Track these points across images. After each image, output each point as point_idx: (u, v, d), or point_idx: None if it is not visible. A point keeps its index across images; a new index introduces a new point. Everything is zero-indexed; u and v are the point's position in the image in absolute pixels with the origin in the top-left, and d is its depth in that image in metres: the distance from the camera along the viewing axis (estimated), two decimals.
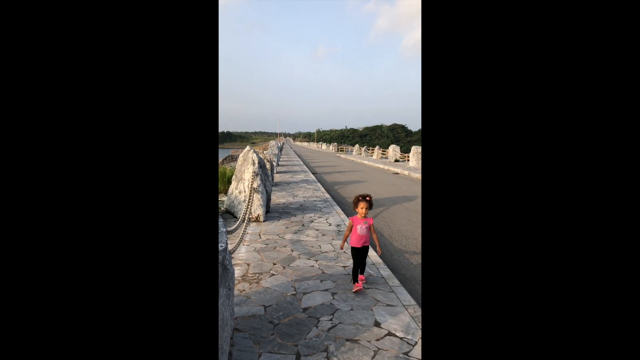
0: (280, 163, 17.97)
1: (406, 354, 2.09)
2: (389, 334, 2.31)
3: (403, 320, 2.49)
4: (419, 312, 2.60)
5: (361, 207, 3.02)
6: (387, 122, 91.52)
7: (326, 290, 2.96)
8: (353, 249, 3.05)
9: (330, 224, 5.34)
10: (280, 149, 23.71)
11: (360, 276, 3.06)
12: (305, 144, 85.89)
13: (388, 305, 2.72)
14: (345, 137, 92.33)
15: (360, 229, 3.02)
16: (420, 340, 2.23)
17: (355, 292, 2.92)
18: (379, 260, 3.80)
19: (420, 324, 2.43)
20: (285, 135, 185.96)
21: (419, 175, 13.21)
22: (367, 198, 3.04)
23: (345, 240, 3.15)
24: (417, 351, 2.12)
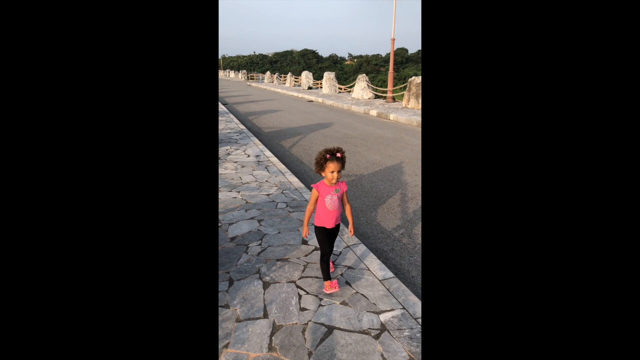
0: None
1: (332, 262, 2.31)
2: (316, 249, 2.49)
3: None
4: (340, 227, 2.84)
5: (330, 170, 1.88)
6: (297, 48, 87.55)
7: (252, 218, 2.99)
8: (320, 231, 2.01)
9: (249, 155, 5.21)
10: None
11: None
12: None
13: (312, 224, 2.88)
14: (254, 64, 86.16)
15: (330, 201, 1.95)
16: (343, 251, 2.47)
17: (329, 292, 2.01)
18: (301, 185, 3.91)
19: (343, 238, 2.66)
20: None
21: (332, 102, 13.41)
22: (338, 154, 1.88)
23: (307, 221, 2.03)
24: (340, 259, 2.35)
